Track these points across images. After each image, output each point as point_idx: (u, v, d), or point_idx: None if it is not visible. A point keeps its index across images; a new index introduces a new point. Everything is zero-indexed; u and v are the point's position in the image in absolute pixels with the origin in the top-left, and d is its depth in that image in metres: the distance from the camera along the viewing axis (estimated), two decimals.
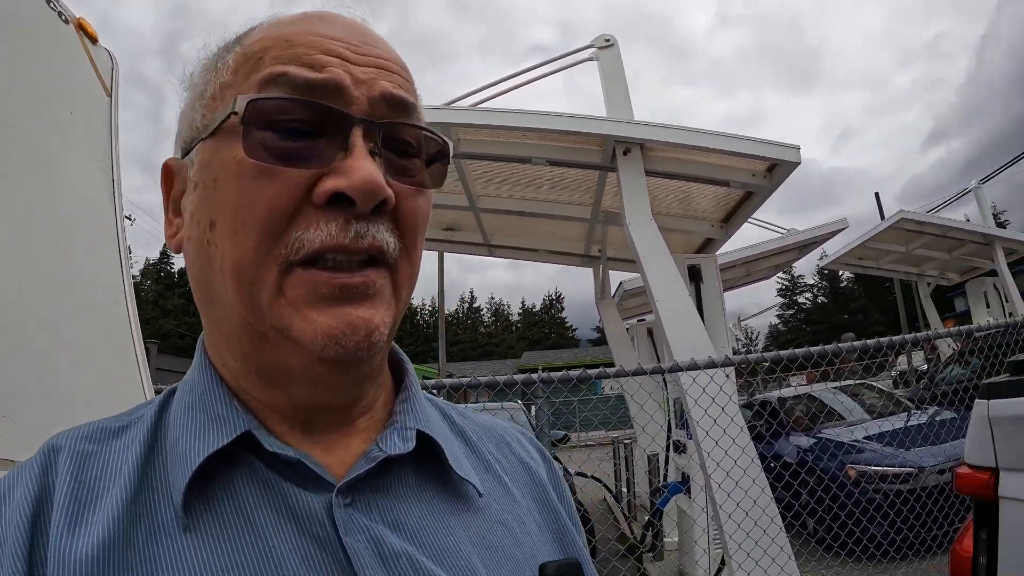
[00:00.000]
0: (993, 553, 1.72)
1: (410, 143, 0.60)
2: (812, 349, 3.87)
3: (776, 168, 5.04)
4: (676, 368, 3.92)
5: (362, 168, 0.53)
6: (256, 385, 0.59)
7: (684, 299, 4.64)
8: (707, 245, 6.95)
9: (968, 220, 18.89)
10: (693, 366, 3.83)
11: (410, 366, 0.72)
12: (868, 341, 4.08)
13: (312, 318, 0.54)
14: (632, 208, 4.72)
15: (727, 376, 4.27)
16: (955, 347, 11.45)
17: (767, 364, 3.69)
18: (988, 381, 1.81)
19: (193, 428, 0.57)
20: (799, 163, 4.80)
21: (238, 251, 0.54)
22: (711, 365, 3.81)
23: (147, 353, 1.62)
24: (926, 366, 17.82)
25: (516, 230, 7.91)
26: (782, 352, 3.76)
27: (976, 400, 1.85)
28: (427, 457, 0.64)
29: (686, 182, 5.43)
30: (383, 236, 0.56)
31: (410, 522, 0.59)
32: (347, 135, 0.55)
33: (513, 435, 0.81)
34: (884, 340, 4.10)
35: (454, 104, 5.54)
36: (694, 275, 5.79)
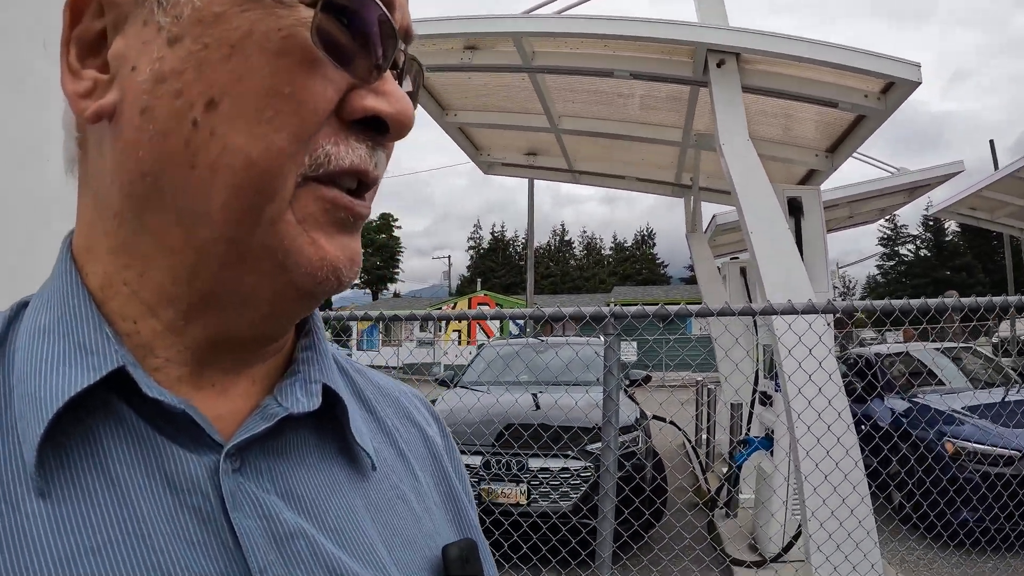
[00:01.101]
0: None
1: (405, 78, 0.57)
2: (929, 302, 3.30)
3: (892, 88, 4.44)
4: (770, 311, 3.42)
5: (403, 97, 0.51)
6: (175, 311, 0.49)
7: (782, 232, 4.15)
8: (810, 177, 6.31)
9: None
10: (790, 310, 3.34)
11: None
12: (979, 299, 3.41)
13: (321, 243, 0.48)
14: (726, 127, 4.21)
15: (827, 325, 3.77)
16: None
17: (877, 314, 3.17)
18: None
19: (50, 357, 0.46)
20: (919, 83, 4.21)
21: (258, 148, 0.45)
22: (810, 310, 3.31)
23: None
24: None
25: (603, 155, 7.45)
26: (895, 302, 3.21)
27: None
28: (326, 417, 0.56)
29: (788, 101, 4.84)
30: (383, 168, 0.53)
31: (308, 494, 0.52)
32: (384, 56, 0.49)
33: (411, 399, 0.74)
34: (998, 300, 3.42)
35: (532, 13, 5.06)
36: (794, 209, 5.24)
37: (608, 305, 3.38)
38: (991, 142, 27.28)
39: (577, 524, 4.19)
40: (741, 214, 4.18)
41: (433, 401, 5.81)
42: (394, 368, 25.74)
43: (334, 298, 60.15)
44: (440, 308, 31.70)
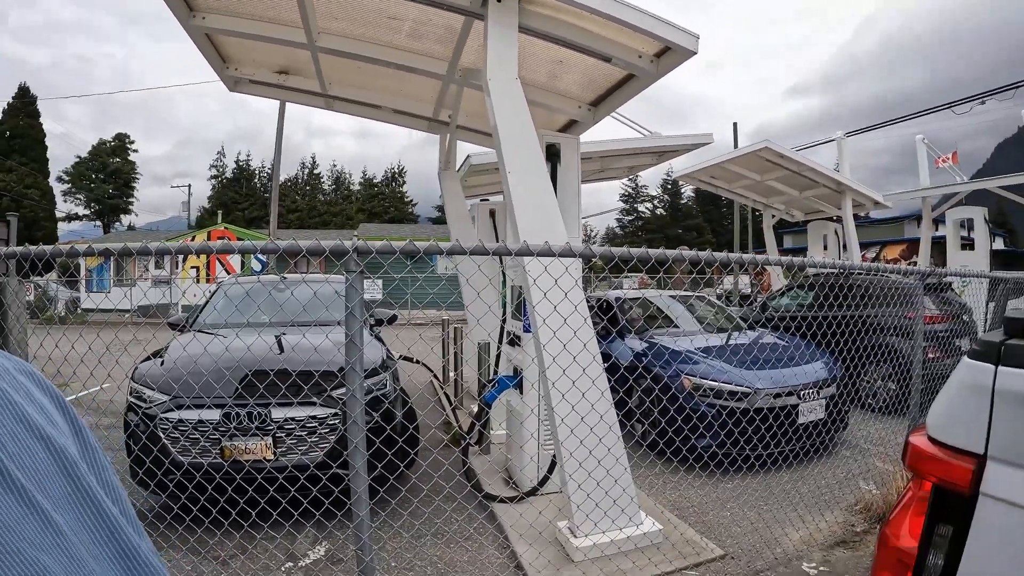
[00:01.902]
0: (952, 558, 1.34)
1: None
2: (689, 253, 3.49)
3: (667, 53, 4.61)
4: (525, 251, 3.30)
5: None
6: None
7: (541, 175, 4.13)
8: (569, 127, 6.45)
9: None
10: (547, 252, 3.27)
11: None
12: (745, 255, 3.78)
13: None
14: (497, 63, 4.08)
15: (582, 269, 3.88)
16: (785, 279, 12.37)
17: (633, 261, 3.29)
18: (1005, 341, 1.35)
19: None
20: (695, 53, 4.40)
21: None
22: (568, 253, 3.29)
23: None
24: (750, 289, 19.57)
25: (360, 81, 6.97)
26: (651, 251, 3.32)
27: (969, 361, 1.42)
28: None
29: (562, 49, 4.81)
30: None
31: None
32: None
33: (12, 379, 0.49)
34: (734, 256, 3.80)
35: None
36: (551, 155, 5.29)
37: (352, 239, 2.97)
38: (735, 124, 30.92)
39: (328, 483, 3.90)
40: (500, 153, 4.08)
41: (159, 351, 5.07)
42: (127, 311, 23.04)
43: (60, 231, 51.68)
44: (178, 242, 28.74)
